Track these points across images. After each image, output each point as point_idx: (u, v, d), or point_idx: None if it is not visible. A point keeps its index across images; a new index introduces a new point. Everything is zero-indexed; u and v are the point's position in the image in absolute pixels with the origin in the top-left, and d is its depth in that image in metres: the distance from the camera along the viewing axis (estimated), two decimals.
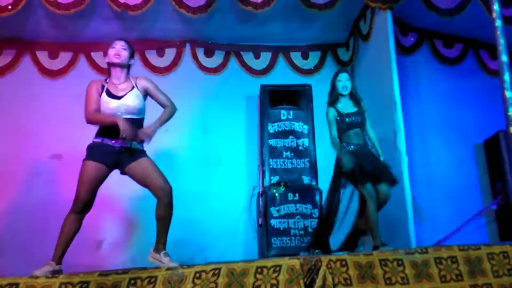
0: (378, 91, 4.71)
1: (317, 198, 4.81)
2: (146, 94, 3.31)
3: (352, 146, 3.87)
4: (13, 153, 5.09)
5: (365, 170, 3.72)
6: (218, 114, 5.54)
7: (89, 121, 3.18)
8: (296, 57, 5.90)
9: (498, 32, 3.41)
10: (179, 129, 5.33)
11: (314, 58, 5.90)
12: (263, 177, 5.11)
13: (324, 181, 5.14)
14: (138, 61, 5.50)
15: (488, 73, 5.68)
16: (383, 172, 3.80)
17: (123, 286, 2.60)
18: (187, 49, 5.67)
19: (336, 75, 4.05)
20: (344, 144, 3.89)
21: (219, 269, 2.65)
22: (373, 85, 4.83)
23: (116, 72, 3.28)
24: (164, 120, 3.28)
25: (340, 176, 3.88)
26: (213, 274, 2.64)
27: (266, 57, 5.84)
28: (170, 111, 3.32)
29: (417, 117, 5.21)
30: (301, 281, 2.61)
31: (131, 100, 3.20)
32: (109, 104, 3.16)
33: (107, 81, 3.28)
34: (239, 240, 5.11)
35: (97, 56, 5.46)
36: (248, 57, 5.81)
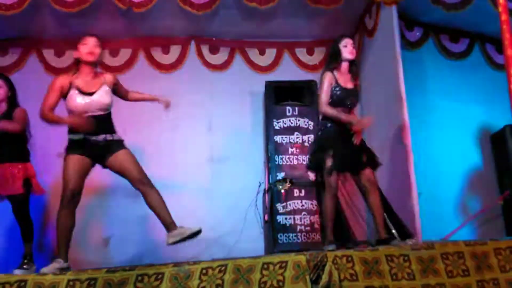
0: (383, 86, 4.70)
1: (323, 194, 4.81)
2: (114, 89, 3.40)
3: (330, 125, 3.61)
4: None
5: (338, 159, 3.50)
6: (223, 110, 5.54)
7: (43, 118, 3.18)
8: (301, 53, 5.88)
9: (505, 26, 3.39)
10: (185, 126, 5.35)
11: (319, 54, 5.88)
12: (269, 173, 5.11)
13: None
14: (143, 59, 5.54)
15: (495, 67, 5.64)
16: (359, 158, 3.56)
17: (131, 283, 2.62)
18: (192, 46, 5.66)
19: (340, 40, 3.69)
20: (323, 122, 3.65)
21: (226, 265, 2.66)
22: (379, 80, 4.82)
23: (87, 69, 3.29)
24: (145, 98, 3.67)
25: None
26: (220, 271, 2.65)
27: (271, 53, 5.83)
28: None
29: (423, 112, 5.19)
30: (307, 277, 2.62)
31: (103, 96, 3.26)
32: (80, 101, 3.20)
33: (76, 77, 3.27)
34: (245, 237, 5.12)
35: (102, 53, 5.47)
36: (253, 54, 5.80)
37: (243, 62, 5.76)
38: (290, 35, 5.73)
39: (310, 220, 4.75)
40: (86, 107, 3.20)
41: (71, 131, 3.20)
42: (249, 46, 5.80)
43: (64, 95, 3.22)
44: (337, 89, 3.61)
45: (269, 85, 5.30)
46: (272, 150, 5.09)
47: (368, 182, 3.55)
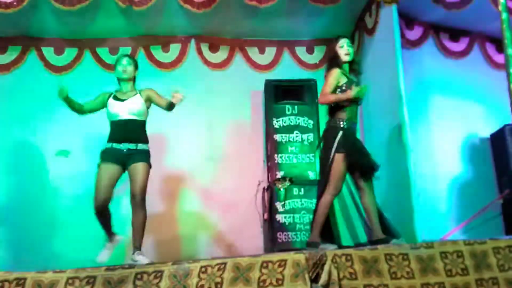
0: (383, 85, 4.70)
1: None
2: (148, 100, 3.70)
3: (345, 124, 3.61)
4: (19, 149, 5.12)
5: (353, 160, 3.53)
6: (223, 109, 5.53)
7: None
8: (301, 52, 5.87)
9: (504, 25, 3.39)
10: (184, 124, 5.34)
11: (319, 52, 5.86)
12: (268, 172, 5.11)
13: None
14: (143, 57, 5.52)
15: (494, 67, 5.64)
16: (368, 162, 3.62)
17: (130, 281, 2.62)
18: (192, 44, 5.65)
19: (336, 41, 3.74)
20: (337, 120, 3.62)
21: (225, 263, 2.67)
22: (378, 78, 4.81)
23: (124, 85, 3.74)
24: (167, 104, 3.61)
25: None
26: (219, 269, 2.65)
27: (271, 52, 5.82)
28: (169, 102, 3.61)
29: (423, 111, 5.19)
30: (307, 276, 2.62)
31: (133, 102, 3.63)
32: (114, 105, 3.63)
33: (117, 91, 3.75)
34: (245, 235, 5.12)
35: (102, 52, 5.48)
36: (253, 52, 5.79)
37: (243, 60, 5.75)
38: (290, 33, 5.73)
39: (309, 219, 4.74)
40: (117, 110, 3.59)
41: (108, 139, 3.60)
42: (249, 45, 5.79)
43: (105, 105, 3.70)
44: (346, 84, 3.64)
45: (269, 84, 5.30)
46: (271, 148, 5.09)
47: (366, 183, 3.62)
